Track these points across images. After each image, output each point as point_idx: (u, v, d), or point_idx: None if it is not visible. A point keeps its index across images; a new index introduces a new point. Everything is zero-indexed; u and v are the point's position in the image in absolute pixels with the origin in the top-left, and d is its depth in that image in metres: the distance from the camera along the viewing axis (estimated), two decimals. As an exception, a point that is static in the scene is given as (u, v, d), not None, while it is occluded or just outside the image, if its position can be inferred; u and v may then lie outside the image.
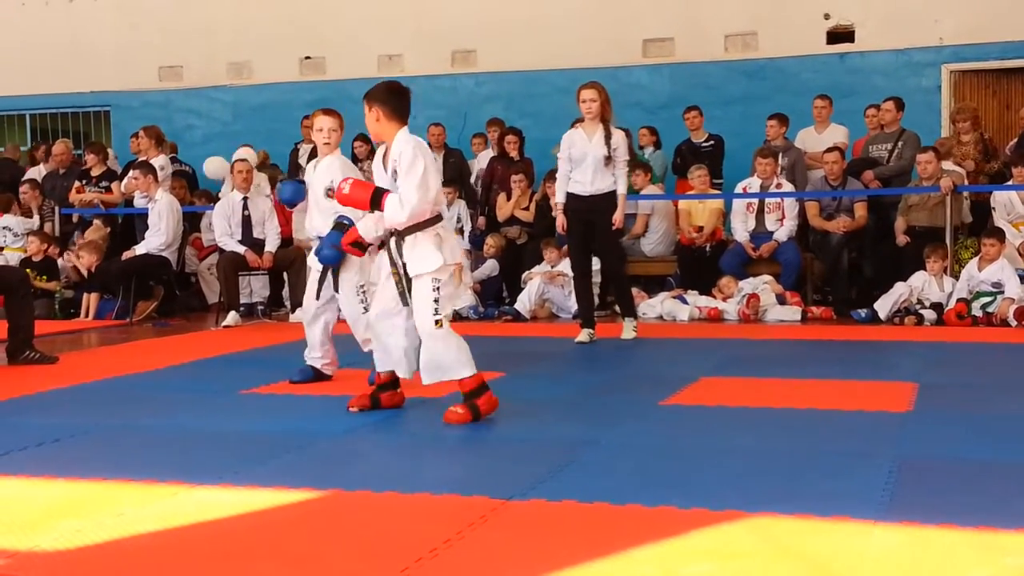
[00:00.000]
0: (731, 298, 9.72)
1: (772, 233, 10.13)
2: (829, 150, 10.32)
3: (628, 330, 8.22)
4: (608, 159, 7.86)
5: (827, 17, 12.58)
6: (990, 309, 8.74)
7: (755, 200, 10.25)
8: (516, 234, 11.24)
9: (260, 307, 10.58)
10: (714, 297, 9.85)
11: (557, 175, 8.22)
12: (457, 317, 9.99)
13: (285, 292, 10.66)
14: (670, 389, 6.00)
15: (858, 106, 11.16)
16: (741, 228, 10.33)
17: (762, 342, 8.03)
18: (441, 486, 4.02)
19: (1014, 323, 8.52)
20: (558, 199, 8.19)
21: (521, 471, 4.26)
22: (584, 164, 7.93)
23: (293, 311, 10.01)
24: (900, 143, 10.54)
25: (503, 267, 10.94)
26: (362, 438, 5.04)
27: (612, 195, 7.98)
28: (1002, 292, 8.75)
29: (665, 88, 12.94)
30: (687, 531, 3.43)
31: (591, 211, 7.98)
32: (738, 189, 10.60)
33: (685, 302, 9.78)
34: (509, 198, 11.32)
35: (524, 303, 10.07)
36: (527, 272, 10.39)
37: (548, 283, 10.16)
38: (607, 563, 3.18)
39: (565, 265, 10.19)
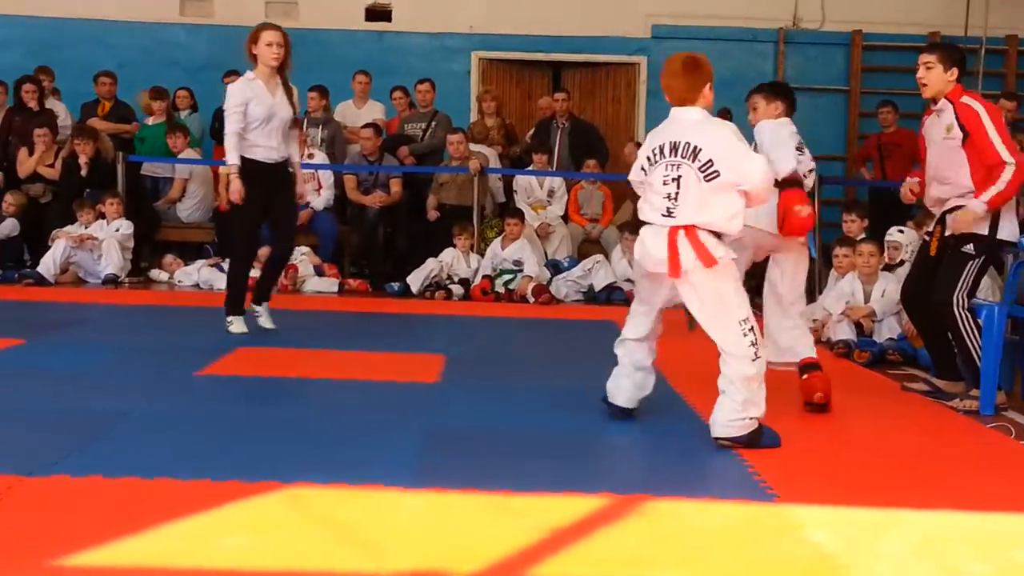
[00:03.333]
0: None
1: (309, 203, 10.19)
2: (366, 126, 10.55)
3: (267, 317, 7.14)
4: (294, 122, 6.93)
5: (365, -7, 12.83)
6: (512, 286, 9.34)
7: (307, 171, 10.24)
8: (39, 192, 10.49)
9: None
10: (253, 267, 9.74)
11: (227, 132, 6.66)
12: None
13: None
14: (206, 359, 5.88)
15: (392, 84, 11.46)
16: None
17: (300, 312, 8.08)
18: (-51, 465, 3.70)
19: (532, 299, 9.18)
20: (232, 160, 6.64)
21: (42, 446, 4.01)
22: (269, 124, 6.65)
23: None
24: (434, 123, 10.98)
25: (24, 227, 10.18)
26: None
27: (287, 162, 6.92)
28: (522, 270, 9.38)
29: (204, 49, 12.59)
30: (221, 504, 3.40)
31: (274, 180, 6.78)
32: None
33: (222, 270, 9.60)
34: (31, 152, 10.53)
35: (48, 266, 9.43)
36: (55, 232, 9.73)
37: (77, 246, 9.57)
38: (136, 540, 3.08)
39: (97, 228, 9.68)
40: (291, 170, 6.97)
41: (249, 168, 6.65)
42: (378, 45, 12.77)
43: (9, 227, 10.11)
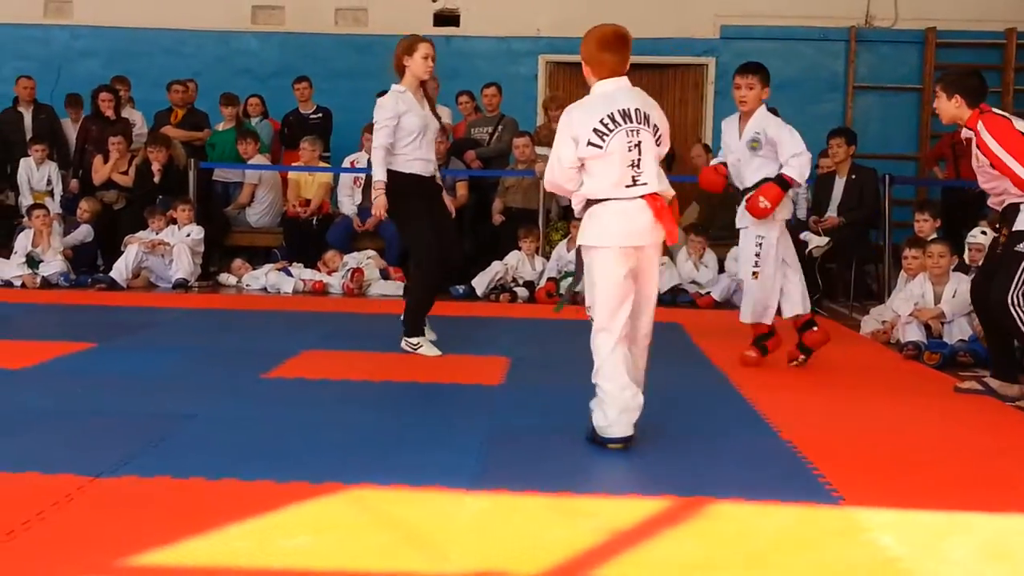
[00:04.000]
0: (336, 272, 9.77)
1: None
2: (435, 130, 10.59)
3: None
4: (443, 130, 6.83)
5: (434, 0, 12.89)
6: (576, 289, 9.30)
7: (362, 175, 10.35)
8: (113, 198, 10.70)
9: None
10: (319, 270, 9.86)
11: (375, 147, 6.40)
12: (47, 284, 9.41)
13: None
14: (273, 362, 5.95)
15: (460, 89, 11.50)
16: (348, 202, 10.41)
17: (365, 316, 8.14)
18: (21, 464, 3.78)
19: (597, 301, 9.13)
20: (379, 176, 6.35)
21: (112, 447, 4.08)
22: (423, 137, 6.43)
23: None
24: (500, 127, 11.00)
25: (98, 233, 10.39)
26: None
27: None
28: (587, 272, 9.35)
29: (275, 57, 12.76)
30: (285, 505, 3.43)
31: (436, 190, 6.67)
32: (346, 163, 10.67)
33: (290, 274, 9.72)
34: (106, 160, 10.74)
35: (120, 271, 9.61)
36: (128, 237, 9.92)
37: (148, 251, 9.74)
38: (202, 540, 3.12)
39: (168, 233, 9.84)
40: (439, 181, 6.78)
41: (410, 181, 6.39)
42: (445, 50, 12.78)
43: (83, 233, 10.33)
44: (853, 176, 9.47)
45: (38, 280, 9.52)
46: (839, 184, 9.50)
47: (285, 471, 3.78)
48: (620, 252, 4.23)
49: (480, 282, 9.43)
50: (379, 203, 6.31)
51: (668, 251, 10.08)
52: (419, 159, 6.40)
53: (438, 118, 6.79)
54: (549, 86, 12.80)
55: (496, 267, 9.52)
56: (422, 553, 3.09)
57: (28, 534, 3.12)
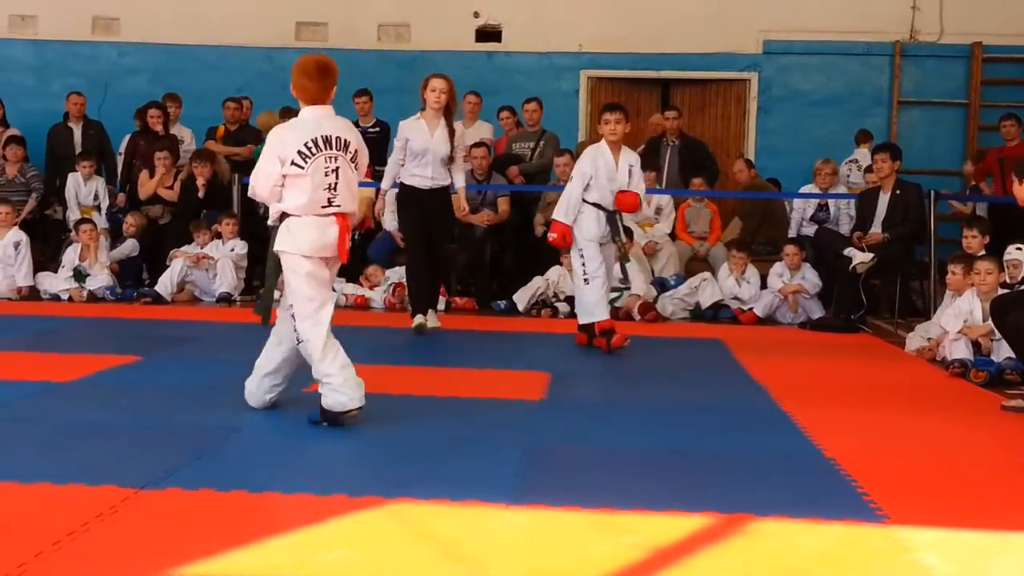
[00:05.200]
0: (378, 286, 9.81)
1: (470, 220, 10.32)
2: (476, 145, 10.62)
3: (432, 318, 8.02)
4: (451, 158, 7.85)
5: (476, 15, 12.93)
6: (618, 304, 9.30)
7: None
8: (159, 213, 10.81)
9: None
10: (361, 285, 9.91)
11: (389, 162, 8.15)
12: (93, 298, 9.52)
13: None
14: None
15: (501, 104, 11.53)
16: (390, 218, 10.44)
17: (406, 330, 8.15)
18: (66, 476, 3.82)
19: (638, 317, 9.12)
20: (385, 186, 8.08)
21: (156, 459, 4.11)
22: (424, 159, 7.77)
23: None
24: (542, 142, 11.01)
25: (144, 247, 10.50)
26: (-21, 426, 4.70)
27: (448, 188, 7.96)
28: (629, 288, 9.33)
29: (317, 73, 12.84)
30: (325, 518, 3.44)
31: (433, 203, 7.86)
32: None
33: (333, 289, 9.75)
34: (152, 175, 10.86)
35: (165, 285, 9.70)
36: (173, 251, 10.02)
37: (193, 265, 9.83)
38: (243, 553, 3.13)
39: (213, 248, 9.93)
40: (452, 193, 8.01)
41: (408, 191, 7.87)
42: (487, 65, 12.87)
43: (129, 247, 10.44)
44: (898, 191, 9.38)
45: (85, 294, 9.63)
46: (884, 199, 9.42)
47: (325, 484, 3.79)
48: (314, 260, 4.84)
49: (521, 297, 9.43)
50: (377, 207, 8.35)
51: (710, 267, 10.05)
52: (418, 175, 7.79)
53: (452, 137, 7.82)
54: (591, 101, 12.80)
55: (537, 282, 9.51)
56: (462, 568, 3.09)
57: (73, 545, 3.15)
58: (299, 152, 4.70)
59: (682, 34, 12.58)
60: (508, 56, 12.87)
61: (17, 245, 9.84)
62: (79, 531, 3.25)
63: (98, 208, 10.93)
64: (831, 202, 10.43)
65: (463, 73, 12.49)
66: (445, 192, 7.93)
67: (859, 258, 9.05)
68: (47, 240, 11.15)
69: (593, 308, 7.31)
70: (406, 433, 4.75)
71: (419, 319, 7.85)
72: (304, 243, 4.79)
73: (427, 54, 12.65)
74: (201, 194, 10.54)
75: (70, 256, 9.98)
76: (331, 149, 4.75)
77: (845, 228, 10.10)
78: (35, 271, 10.07)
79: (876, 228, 9.38)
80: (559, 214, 7.41)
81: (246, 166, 11.16)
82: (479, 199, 10.49)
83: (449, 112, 7.88)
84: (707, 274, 9.69)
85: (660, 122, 11.44)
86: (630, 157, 7.45)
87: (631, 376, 6.48)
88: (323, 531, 3.35)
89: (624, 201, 7.34)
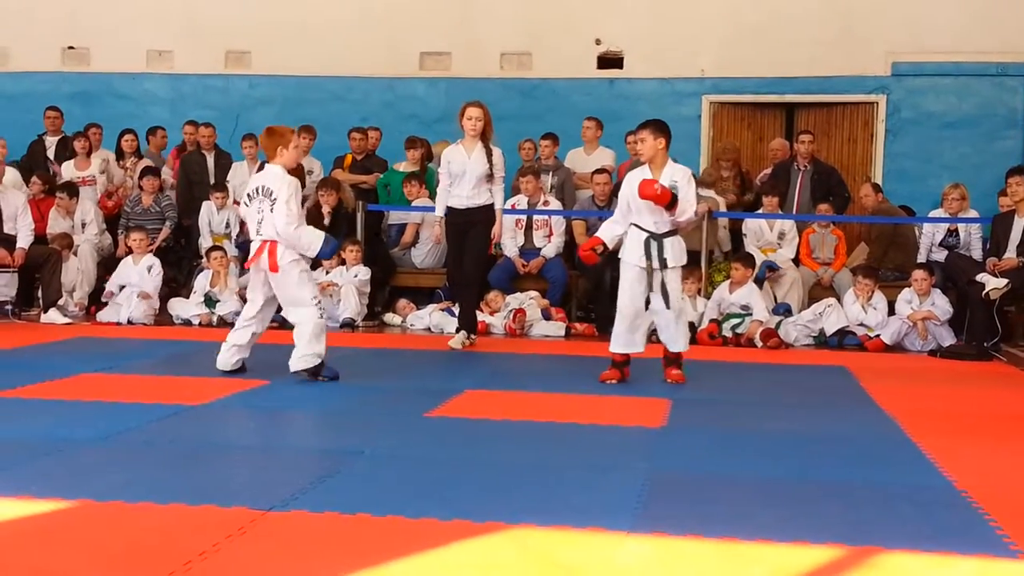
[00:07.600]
0: (498, 312, 9.86)
1: (540, 249, 10.38)
2: (598, 171, 10.64)
3: (458, 341, 8.50)
4: (490, 176, 8.35)
5: (598, 43, 12.98)
6: (739, 330, 9.20)
7: (523, 216, 10.46)
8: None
9: (8, 306, 10.01)
10: (481, 311, 9.97)
11: (438, 189, 8.66)
12: (222, 323, 9.77)
13: (39, 291, 10.15)
14: (436, 401, 6.04)
15: (624, 130, 11.52)
16: (511, 244, 10.52)
17: (527, 356, 8.19)
18: (198, 497, 3.92)
19: (760, 344, 9.00)
20: (438, 212, 8.59)
21: (282, 482, 4.20)
22: (463, 179, 8.35)
23: (46, 310, 9.65)
24: (663, 168, 10.94)
25: (271, 274, 10.75)
26: (119, 446, 4.86)
27: (487, 208, 8.43)
28: (750, 314, 9.22)
29: (441, 102, 13.04)
30: (448, 543, 3.47)
31: (467, 222, 8.41)
32: (506, 206, 10.78)
33: (453, 315, 9.85)
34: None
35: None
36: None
37: (319, 292, 10.01)
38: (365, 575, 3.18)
39: (337, 274, 10.12)
40: (493, 213, 8.46)
41: (450, 212, 8.45)
42: (609, 92, 12.89)
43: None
44: (1033, 215, 9.10)
45: (215, 319, 9.91)
46: (1018, 224, 9.14)
47: (448, 509, 3.82)
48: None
49: (642, 323, 9.35)
50: (435, 231, 8.82)
51: (835, 293, 9.86)
52: (456, 195, 8.42)
53: (490, 156, 8.38)
54: (713, 126, 12.72)
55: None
56: (583, 595, 3.08)
57: (204, 564, 3.24)
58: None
59: (807, 57, 12.43)
60: (629, 82, 12.88)
61: (150, 269, 10.22)
62: (210, 551, 3.34)
63: (228, 236, 11.25)
64: (961, 227, 10.15)
65: (584, 100, 12.59)
66: (480, 211, 8.39)
67: (992, 284, 8.80)
68: (179, 267, 11.52)
69: (613, 336, 7.17)
70: (527, 459, 4.75)
71: (453, 340, 8.46)
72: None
73: (549, 82, 12.75)
74: (327, 222, 10.75)
75: (201, 282, 10.28)
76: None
77: (978, 254, 9.82)
78: (167, 296, 10.40)
79: (1011, 253, 9.10)
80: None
81: (371, 194, 11.38)
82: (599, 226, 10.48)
83: (485, 137, 8.40)
84: (832, 300, 9.51)
85: (783, 146, 11.28)
86: (675, 172, 6.98)
87: (753, 403, 6.39)
88: (446, 556, 3.37)
89: (641, 187, 6.85)
